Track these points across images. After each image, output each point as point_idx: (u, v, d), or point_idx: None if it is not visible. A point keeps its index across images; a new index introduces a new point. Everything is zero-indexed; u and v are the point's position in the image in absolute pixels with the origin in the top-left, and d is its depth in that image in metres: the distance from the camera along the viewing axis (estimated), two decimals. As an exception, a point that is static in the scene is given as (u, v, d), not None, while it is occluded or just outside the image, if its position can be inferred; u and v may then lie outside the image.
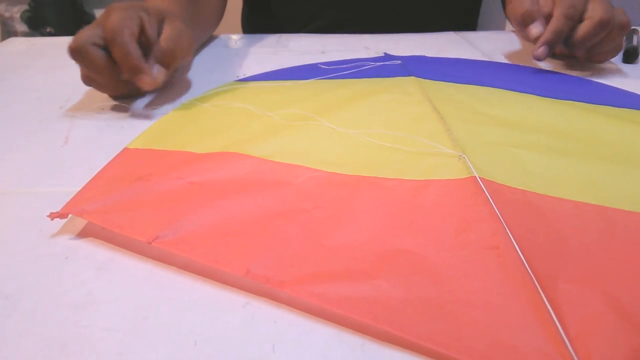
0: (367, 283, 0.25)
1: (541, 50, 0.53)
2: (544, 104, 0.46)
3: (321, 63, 0.59)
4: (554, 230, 0.28)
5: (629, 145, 0.38)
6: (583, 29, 0.53)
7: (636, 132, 0.40)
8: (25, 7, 2.03)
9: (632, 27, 0.64)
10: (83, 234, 0.31)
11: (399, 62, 0.58)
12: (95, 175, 0.36)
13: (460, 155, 0.35)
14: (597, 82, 0.54)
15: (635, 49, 0.59)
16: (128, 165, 0.37)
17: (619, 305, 0.23)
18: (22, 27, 2.08)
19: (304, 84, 0.52)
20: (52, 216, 0.31)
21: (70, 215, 0.31)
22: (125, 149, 0.40)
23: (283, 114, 0.44)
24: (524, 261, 0.25)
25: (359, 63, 0.58)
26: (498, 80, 0.52)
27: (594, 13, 0.52)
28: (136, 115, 0.48)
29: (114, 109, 0.50)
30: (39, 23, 2.01)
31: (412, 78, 0.52)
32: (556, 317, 0.22)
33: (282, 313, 0.25)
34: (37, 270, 0.28)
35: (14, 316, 0.25)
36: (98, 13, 2.20)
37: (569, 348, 0.21)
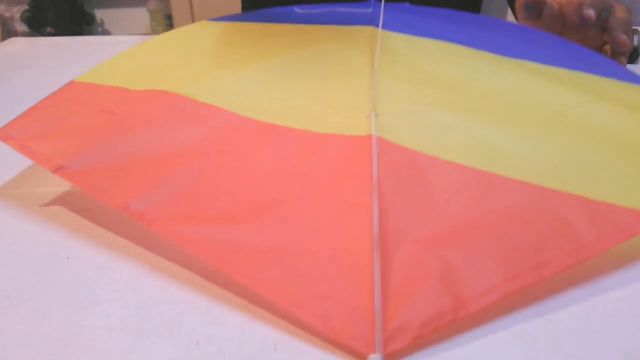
0: (229, 228, 0.27)
1: (590, 11, 0.51)
2: (493, 63, 0.46)
3: (296, 6, 0.59)
4: (426, 192, 0.29)
5: (556, 111, 0.38)
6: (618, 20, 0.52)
7: (574, 99, 0.39)
8: (25, 7, 2.03)
9: (633, 27, 0.64)
10: (84, 234, 0.31)
11: (370, 9, 0.57)
12: (33, 105, 0.38)
13: (369, 113, 0.35)
14: (575, 45, 0.52)
15: (635, 49, 0.59)
16: (65, 98, 0.39)
17: (448, 267, 0.24)
18: (22, 27, 2.08)
19: (265, 27, 0.54)
20: None
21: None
22: (71, 82, 0.42)
23: (227, 55, 0.46)
24: (375, 220, 0.26)
25: (332, 9, 0.58)
26: (464, 36, 0.51)
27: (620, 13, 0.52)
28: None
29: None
30: (39, 23, 2.01)
31: (369, 28, 0.52)
32: (383, 276, 0.24)
33: (284, 313, 0.25)
34: (39, 270, 0.28)
35: (16, 316, 0.25)
36: (98, 13, 2.20)
37: (376, 305, 0.23)
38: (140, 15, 2.14)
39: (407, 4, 0.61)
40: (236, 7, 0.91)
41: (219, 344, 0.23)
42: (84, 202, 0.33)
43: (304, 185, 0.30)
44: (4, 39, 1.04)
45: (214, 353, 0.23)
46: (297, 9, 0.58)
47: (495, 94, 0.40)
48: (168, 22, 2.10)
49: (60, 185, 0.36)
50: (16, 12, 2.08)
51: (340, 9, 0.57)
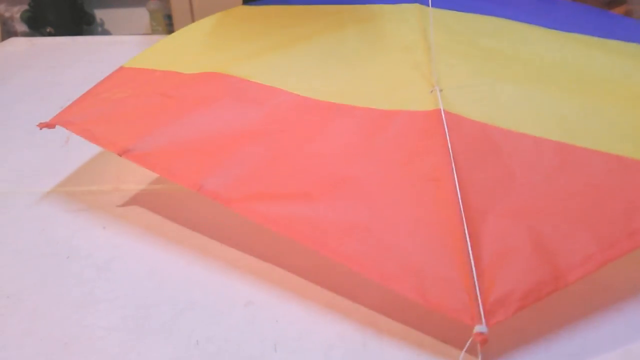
0: (307, 205, 0.27)
1: None
2: (545, 36, 0.45)
3: None
4: (504, 164, 0.28)
5: (619, 82, 0.37)
6: None
7: (631, 67, 0.39)
8: (25, 7, 2.03)
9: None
10: (84, 234, 0.31)
11: None
12: (87, 91, 0.38)
13: (434, 88, 0.35)
14: (619, 15, 0.52)
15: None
16: (118, 83, 0.39)
17: (540, 238, 0.24)
18: (22, 27, 2.08)
19: (310, 8, 0.53)
20: (41, 126, 0.34)
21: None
22: (121, 68, 0.42)
23: (276, 35, 0.45)
24: (458, 194, 0.26)
25: None
26: (509, 10, 0.51)
27: None
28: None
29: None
30: (39, 23, 2.01)
31: (416, 5, 0.52)
32: (474, 249, 0.23)
33: (284, 312, 0.25)
34: (39, 270, 0.28)
35: (16, 315, 0.25)
36: (98, 13, 2.20)
37: (474, 278, 0.22)
38: (140, 15, 2.14)
39: None
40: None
41: (219, 344, 0.23)
42: (84, 203, 0.33)
43: (376, 162, 0.29)
44: (4, 39, 1.04)
45: (214, 353, 0.23)
46: None
47: (555, 66, 0.39)
48: (168, 22, 2.10)
49: (60, 185, 0.36)
50: (16, 12, 2.07)
51: None
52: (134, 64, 0.42)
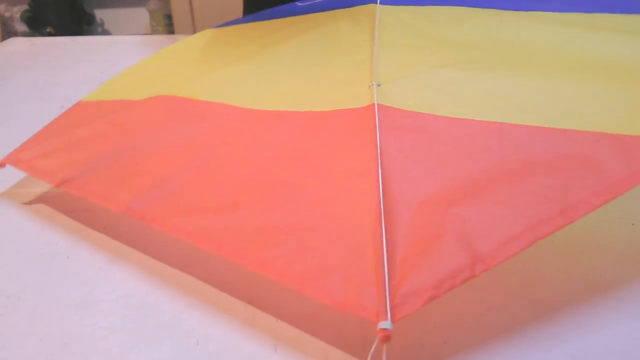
0: (232, 214, 0.26)
1: None
2: (502, 19, 0.45)
3: (299, 1, 0.59)
4: (437, 152, 0.28)
5: (570, 54, 0.36)
6: None
7: (589, 39, 0.38)
8: (25, 7, 2.03)
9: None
10: (84, 234, 0.31)
11: None
12: (43, 128, 0.39)
13: (371, 84, 0.35)
14: None
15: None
16: (73, 117, 0.40)
17: (462, 224, 0.23)
18: (22, 27, 2.08)
19: (266, 24, 0.53)
20: None
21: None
22: (78, 103, 0.42)
23: (227, 54, 0.46)
24: (380, 186, 0.25)
25: None
26: None
27: None
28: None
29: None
30: (39, 23, 2.01)
31: (372, 5, 0.51)
32: (389, 242, 0.22)
33: (284, 313, 0.25)
34: (39, 270, 0.28)
35: (17, 315, 0.25)
36: (98, 13, 2.20)
37: (385, 272, 0.21)
38: (140, 15, 2.14)
39: None
40: (236, 6, 0.91)
41: (219, 344, 0.23)
42: (84, 203, 0.33)
43: (308, 164, 0.29)
44: (4, 39, 1.04)
45: (214, 353, 0.23)
46: (299, 3, 0.58)
47: (506, 47, 0.39)
48: (168, 22, 2.10)
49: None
50: (16, 12, 2.08)
51: None
52: (91, 97, 0.43)
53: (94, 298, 0.26)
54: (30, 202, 0.34)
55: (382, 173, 0.26)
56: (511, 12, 0.46)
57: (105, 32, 2.22)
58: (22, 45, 0.72)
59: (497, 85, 0.33)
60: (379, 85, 0.34)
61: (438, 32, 0.44)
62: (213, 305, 0.26)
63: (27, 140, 0.37)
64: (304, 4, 0.58)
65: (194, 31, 2.08)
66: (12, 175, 0.38)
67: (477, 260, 0.21)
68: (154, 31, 2.13)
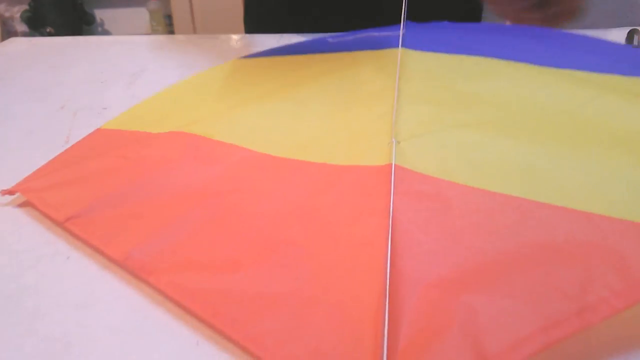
0: (232, 275, 0.25)
1: None
2: (534, 75, 0.42)
3: (330, 36, 0.58)
4: (451, 225, 0.26)
5: (605, 126, 0.33)
6: None
7: (625, 110, 0.35)
8: (25, 7, 2.04)
9: (632, 27, 0.64)
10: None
11: (402, 31, 0.54)
12: (57, 155, 0.38)
13: (391, 141, 0.33)
14: (617, 44, 0.48)
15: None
16: (88, 146, 0.39)
17: (471, 315, 0.21)
18: (22, 27, 2.08)
19: (292, 59, 0.52)
20: (2, 193, 0.33)
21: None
22: (97, 130, 0.41)
23: (248, 91, 0.45)
24: (388, 262, 0.24)
25: (363, 35, 0.56)
26: (498, 48, 0.48)
27: None
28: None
29: (115, 108, 0.49)
30: (39, 23, 2.01)
31: (399, 50, 0.49)
32: (391, 329, 0.21)
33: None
34: (39, 270, 0.28)
35: (16, 316, 0.25)
36: (98, 13, 2.20)
37: None
38: (140, 15, 2.15)
39: (444, 22, 0.59)
40: (236, 7, 0.91)
41: (219, 345, 0.23)
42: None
43: (317, 224, 0.27)
44: (4, 39, 1.04)
45: (214, 353, 0.23)
46: (329, 39, 0.57)
47: (535, 109, 0.36)
48: (168, 22, 2.11)
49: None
50: (16, 12, 2.08)
51: (373, 33, 0.56)
52: (110, 125, 0.42)
53: (94, 298, 0.26)
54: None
55: (391, 246, 0.24)
56: (546, 68, 0.43)
57: (105, 32, 2.22)
58: (22, 45, 0.72)
59: (522, 154, 0.31)
60: (399, 142, 0.33)
61: (464, 85, 0.41)
62: (213, 305, 0.26)
63: (40, 167, 0.36)
64: (334, 40, 0.56)
65: (194, 31, 2.09)
66: (11, 175, 0.38)
67: None
68: (154, 31, 2.13)
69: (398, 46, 0.50)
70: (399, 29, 0.54)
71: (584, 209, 0.26)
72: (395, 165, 0.30)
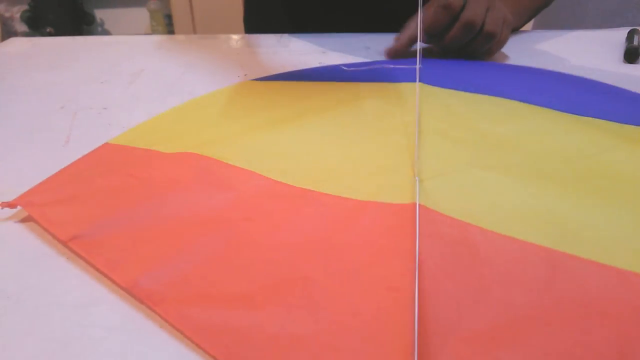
0: (246, 312, 0.23)
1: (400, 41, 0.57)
2: (559, 122, 0.41)
3: (344, 65, 0.58)
4: (479, 274, 0.25)
5: (635, 178, 0.33)
6: (452, 31, 0.54)
7: None
8: (25, 7, 2.04)
9: (632, 27, 0.64)
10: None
11: (419, 65, 0.54)
12: (62, 169, 0.36)
13: (414, 178, 0.32)
14: (635, 93, 0.47)
15: (635, 49, 0.59)
16: (95, 161, 0.37)
17: None
18: (22, 27, 2.08)
19: (307, 85, 0.52)
20: (2, 205, 0.32)
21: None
22: (105, 144, 0.40)
23: (264, 115, 0.44)
24: (416, 312, 0.22)
25: (378, 66, 0.56)
26: (519, 90, 0.48)
27: (466, 13, 0.53)
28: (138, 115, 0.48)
29: (115, 108, 0.49)
30: (39, 23, 2.01)
31: (418, 84, 0.49)
32: None
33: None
34: (39, 270, 0.28)
35: (16, 316, 0.25)
36: (98, 13, 2.20)
37: None
38: (140, 15, 2.15)
39: (460, 60, 0.58)
40: (236, 7, 0.91)
41: (219, 344, 0.23)
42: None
43: (337, 261, 0.26)
44: (4, 39, 1.04)
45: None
46: (344, 67, 0.57)
47: (562, 157, 0.35)
48: (168, 22, 2.11)
49: (60, 185, 0.36)
50: (16, 12, 2.08)
51: (389, 65, 0.56)
52: (119, 140, 0.41)
53: (94, 298, 0.26)
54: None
55: (418, 294, 0.23)
56: (570, 115, 0.42)
57: (105, 32, 2.22)
58: (22, 45, 0.72)
59: (548, 202, 0.30)
60: (422, 180, 0.32)
61: (486, 126, 0.40)
62: (213, 305, 0.26)
63: (43, 181, 0.34)
64: (350, 69, 0.56)
65: (194, 31, 2.09)
66: (11, 175, 0.38)
67: None
68: (154, 31, 2.13)
69: (415, 80, 0.50)
70: (415, 63, 0.54)
71: (614, 264, 0.25)
72: (419, 205, 0.29)
